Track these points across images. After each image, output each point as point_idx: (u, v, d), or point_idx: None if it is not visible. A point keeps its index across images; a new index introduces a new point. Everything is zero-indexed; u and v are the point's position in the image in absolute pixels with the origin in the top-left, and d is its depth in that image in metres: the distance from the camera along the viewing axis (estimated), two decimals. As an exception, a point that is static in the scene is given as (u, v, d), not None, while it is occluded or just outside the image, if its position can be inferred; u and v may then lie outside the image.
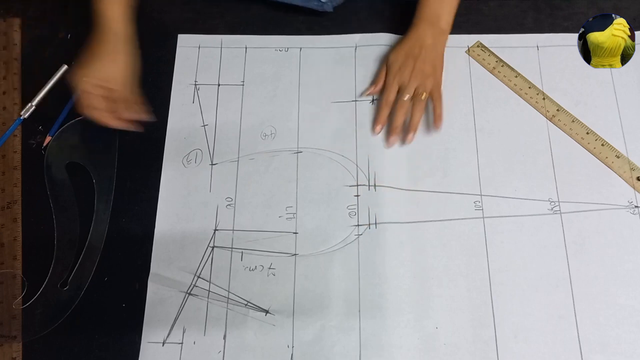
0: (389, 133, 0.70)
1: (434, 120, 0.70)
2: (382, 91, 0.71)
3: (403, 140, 0.70)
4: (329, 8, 0.75)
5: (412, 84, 0.69)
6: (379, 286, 0.63)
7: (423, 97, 0.68)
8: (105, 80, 0.64)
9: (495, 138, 0.70)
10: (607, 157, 0.68)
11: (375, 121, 0.70)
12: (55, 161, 0.70)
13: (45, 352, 0.61)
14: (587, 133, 0.70)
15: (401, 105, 0.69)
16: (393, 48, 0.72)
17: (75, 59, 0.66)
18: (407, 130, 0.69)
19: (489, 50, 0.75)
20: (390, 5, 0.75)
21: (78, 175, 0.69)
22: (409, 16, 0.73)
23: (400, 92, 0.69)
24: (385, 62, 0.72)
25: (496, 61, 0.74)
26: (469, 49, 0.75)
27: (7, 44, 0.76)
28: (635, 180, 0.67)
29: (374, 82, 0.72)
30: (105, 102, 0.65)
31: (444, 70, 0.72)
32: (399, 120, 0.68)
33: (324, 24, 0.76)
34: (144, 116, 0.69)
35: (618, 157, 0.68)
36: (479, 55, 0.75)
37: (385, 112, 0.70)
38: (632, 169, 0.68)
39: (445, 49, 0.74)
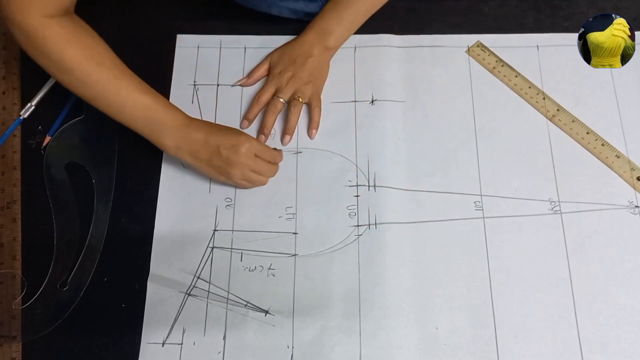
0: (258, 132, 0.70)
1: (309, 127, 0.70)
2: (259, 90, 0.71)
3: (281, 142, 0.70)
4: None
5: (288, 89, 0.70)
6: (379, 286, 0.63)
7: (300, 100, 0.69)
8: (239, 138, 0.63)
9: (495, 138, 0.70)
10: (607, 157, 0.68)
11: (243, 117, 0.71)
12: (55, 161, 0.70)
13: (45, 352, 0.61)
14: (587, 133, 0.69)
15: (273, 104, 0.70)
16: (278, 49, 0.73)
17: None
18: (283, 133, 0.70)
19: (489, 50, 0.75)
20: (389, 7, 0.74)
21: (78, 175, 0.69)
22: (409, 17, 0.73)
23: (276, 94, 0.70)
24: (268, 60, 0.73)
25: (496, 61, 0.74)
26: (469, 49, 0.75)
27: (7, 43, 0.76)
28: (635, 180, 0.67)
29: (249, 74, 0.73)
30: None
31: (444, 69, 0.73)
32: (269, 118, 0.69)
33: (324, 24, 0.76)
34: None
35: (618, 157, 0.68)
36: (479, 55, 0.75)
37: (255, 110, 0.71)
38: (632, 169, 0.67)
39: (446, 48, 0.74)
